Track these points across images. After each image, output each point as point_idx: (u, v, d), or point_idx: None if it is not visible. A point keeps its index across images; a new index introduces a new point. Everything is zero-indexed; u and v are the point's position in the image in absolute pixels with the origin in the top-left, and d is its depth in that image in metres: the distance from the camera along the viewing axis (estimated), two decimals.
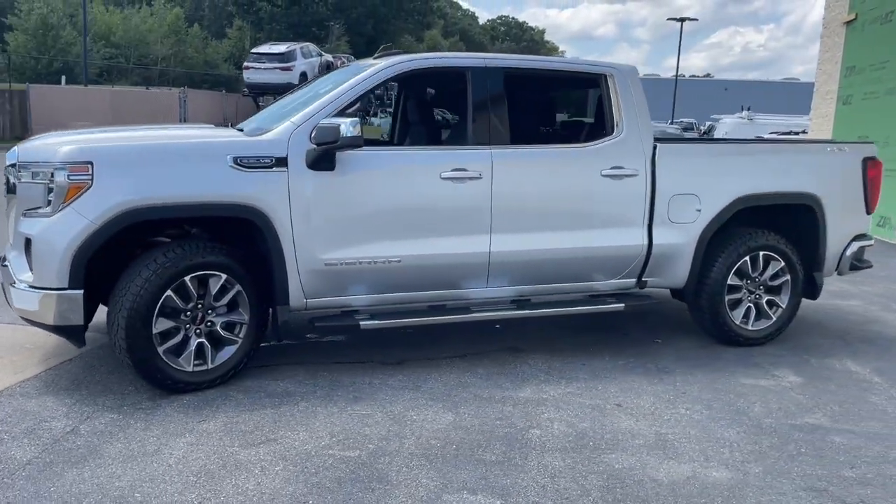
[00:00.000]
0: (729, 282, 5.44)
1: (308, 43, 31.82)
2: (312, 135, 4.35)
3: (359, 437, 3.83)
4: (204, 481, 3.31)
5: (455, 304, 4.99)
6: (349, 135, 4.24)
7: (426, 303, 4.91)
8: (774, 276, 5.58)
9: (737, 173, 5.37)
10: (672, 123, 44.44)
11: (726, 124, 21.07)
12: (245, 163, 4.25)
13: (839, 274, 5.91)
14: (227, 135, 4.63)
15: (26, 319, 4.25)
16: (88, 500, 3.12)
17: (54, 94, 27.70)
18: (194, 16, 70.33)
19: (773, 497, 3.36)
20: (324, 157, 4.34)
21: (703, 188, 5.26)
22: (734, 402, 4.50)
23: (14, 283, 4.15)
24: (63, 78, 42.04)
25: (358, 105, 4.76)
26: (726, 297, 5.45)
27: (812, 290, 5.76)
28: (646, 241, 5.16)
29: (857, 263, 5.88)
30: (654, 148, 5.17)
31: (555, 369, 4.97)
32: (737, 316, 5.51)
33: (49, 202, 4.04)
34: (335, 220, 4.45)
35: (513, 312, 5.04)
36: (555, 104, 6.00)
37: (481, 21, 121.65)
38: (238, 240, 4.48)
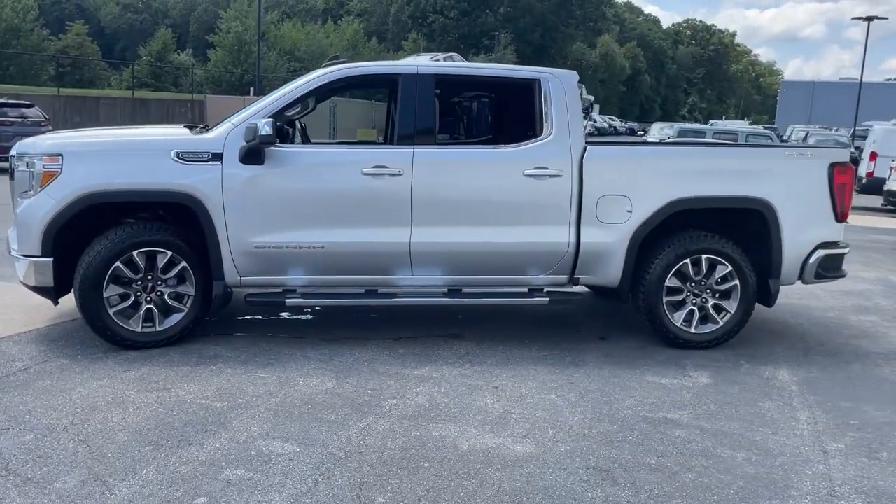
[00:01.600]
0: (668, 283, 5.49)
1: (453, 53, 32.96)
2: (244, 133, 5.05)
3: (238, 393, 4.46)
4: (85, 412, 4.08)
5: (389, 289, 5.49)
6: (263, 133, 4.88)
7: (358, 287, 5.45)
8: (722, 281, 5.54)
9: (672, 176, 5.42)
10: (854, 131, 40.87)
11: (876, 132, 19.41)
12: (185, 157, 5.02)
13: (804, 282, 5.73)
14: (178, 133, 5.44)
15: (24, 285, 5.27)
16: None
17: (225, 103, 30.82)
18: (380, 30, 74.65)
19: (550, 470, 3.59)
20: (250, 153, 5.02)
21: (633, 190, 5.37)
22: (612, 394, 4.64)
23: (10, 252, 5.20)
24: (252, 89, 46.38)
25: (298, 108, 5.38)
26: (664, 299, 5.50)
27: (766, 297, 5.64)
28: (573, 240, 5.37)
29: (824, 272, 5.67)
30: (584, 150, 5.36)
31: (472, 354, 5.32)
32: (678, 318, 5.54)
33: (32, 186, 5.03)
34: (263, 208, 5.11)
35: (436, 300, 5.46)
36: (489, 108, 6.29)
37: (665, 25, 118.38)
38: (191, 223, 5.25)
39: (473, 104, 6.38)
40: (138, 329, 5.13)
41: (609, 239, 5.40)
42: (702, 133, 21.19)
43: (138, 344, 5.14)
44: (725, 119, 75.50)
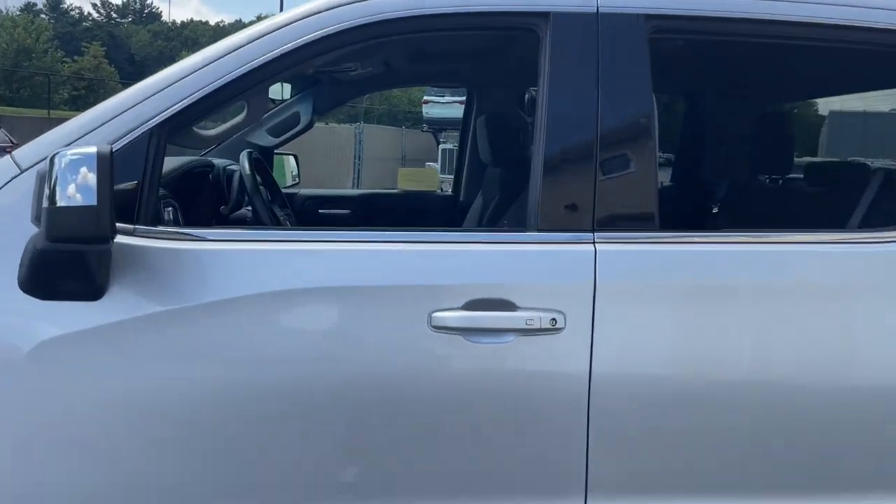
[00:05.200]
0: None
1: None
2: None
3: None
4: None
5: None
6: (67, 204, 1.27)
7: None
8: None
9: None
10: None
11: None
12: None
13: None
14: None
15: None
16: None
17: None
18: None
19: None
20: (38, 268, 1.41)
21: None
22: None
23: None
24: None
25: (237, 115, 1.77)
26: None
27: None
28: None
29: None
30: None
31: None
32: None
33: None
34: (86, 444, 1.51)
35: None
36: (812, 121, 2.58)
37: None
38: None
39: (759, 107, 2.49)
40: None
41: None
42: None
43: None
44: None
